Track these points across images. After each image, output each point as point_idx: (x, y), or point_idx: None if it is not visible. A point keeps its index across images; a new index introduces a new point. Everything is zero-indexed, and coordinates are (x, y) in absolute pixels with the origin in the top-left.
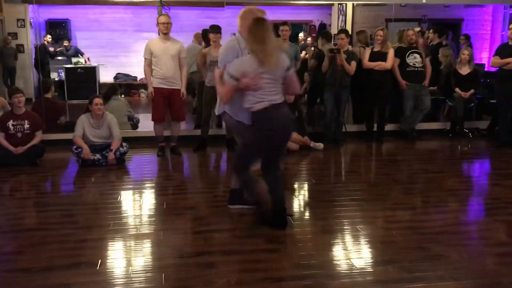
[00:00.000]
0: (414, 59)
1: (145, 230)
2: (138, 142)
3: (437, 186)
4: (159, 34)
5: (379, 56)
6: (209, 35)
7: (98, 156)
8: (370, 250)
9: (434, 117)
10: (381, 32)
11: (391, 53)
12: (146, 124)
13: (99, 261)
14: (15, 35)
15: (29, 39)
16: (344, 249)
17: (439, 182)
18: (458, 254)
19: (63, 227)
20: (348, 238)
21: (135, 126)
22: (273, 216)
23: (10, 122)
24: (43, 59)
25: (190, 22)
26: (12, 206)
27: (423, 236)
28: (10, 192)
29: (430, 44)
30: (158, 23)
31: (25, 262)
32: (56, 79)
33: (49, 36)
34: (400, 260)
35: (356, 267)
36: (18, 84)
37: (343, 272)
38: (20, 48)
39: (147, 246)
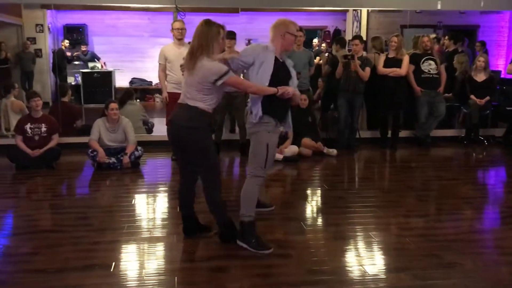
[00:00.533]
0: (429, 66)
1: (158, 233)
2: (152, 146)
3: (451, 193)
4: (173, 40)
5: (394, 62)
6: None
7: (113, 159)
8: (383, 257)
9: (449, 124)
10: (395, 39)
11: (406, 59)
12: (161, 129)
13: (113, 263)
14: (33, 40)
15: (47, 44)
16: (356, 256)
17: (453, 190)
18: (472, 262)
19: (78, 229)
20: (360, 244)
21: (149, 130)
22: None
23: (28, 125)
24: (60, 63)
25: None
26: (28, 208)
27: (437, 243)
28: (26, 194)
29: (446, 50)
30: (172, 28)
31: (41, 263)
32: (73, 83)
33: (66, 41)
34: (413, 267)
35: (368, 274)
36: (35, 88)
37: (355, 279)
38: (38, 53)
39: (160, 249)
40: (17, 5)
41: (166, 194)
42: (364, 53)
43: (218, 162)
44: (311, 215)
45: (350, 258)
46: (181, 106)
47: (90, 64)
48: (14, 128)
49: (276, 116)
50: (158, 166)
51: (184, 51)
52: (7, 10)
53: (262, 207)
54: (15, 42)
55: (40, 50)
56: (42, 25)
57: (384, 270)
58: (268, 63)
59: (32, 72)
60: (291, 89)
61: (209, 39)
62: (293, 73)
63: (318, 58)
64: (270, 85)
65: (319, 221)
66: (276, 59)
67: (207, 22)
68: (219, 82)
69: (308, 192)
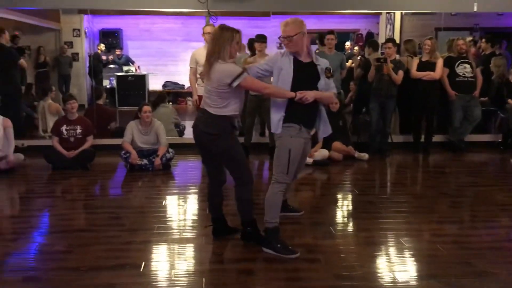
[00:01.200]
0: (464, 69)
1: (188, 234)
2: (183, 149)
3: (487, 200)
4: (205, 44)
5: (427, 66)
6: (254, 44)
7: (145, 161)
8: (414, 263)
9: (485, 129)
10: (429, 42)
11: (439, 62)
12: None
13: (143, 263)
14: (70, 44)
15: (83, 48)
16: (387, 262)
17: (488, 196)
18: (507, 272)
19: (110, 229)
20: (391, 250)
21: (181, 133)
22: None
23: (64, 127)
24: (96, 67)
25: None
26: (63, 207)
27: (470, 251)
28: (62, 194)
29: (482, 53)
30: (203, 32)
31: (74, 261)
32: (108, 86)
33: (102, 45)
34: (445, 275)
35: (399, 281)
36: (72, 91)
37: (385, 285)
38: (75, 57)
39: (189, 251)
40: (55, 10)
41: (196, 196)
42: (397, 56)
43: (247, 160)
44: (341, 220)
45: (380, 264)
46: (202, 111)
47: (125, 68)
48: (51, 130)
49: (299, 121)
50: (189, 168)
51: None
52: (46, 15)
53: (292, 212)
54: (53, 46)
55: (77, 54)
56: (79, 30)
57: (415, 277)
58: (287, 68)
59: (69, 76)
60: (312, 94)
61: (222, 44)
62: (322, 73)
63: (350, 61)
64: (294, 89)
65: (349, 226)
66: (298, 62)
67: (221, 27)
68: (235, 84)
69: (338, 196)
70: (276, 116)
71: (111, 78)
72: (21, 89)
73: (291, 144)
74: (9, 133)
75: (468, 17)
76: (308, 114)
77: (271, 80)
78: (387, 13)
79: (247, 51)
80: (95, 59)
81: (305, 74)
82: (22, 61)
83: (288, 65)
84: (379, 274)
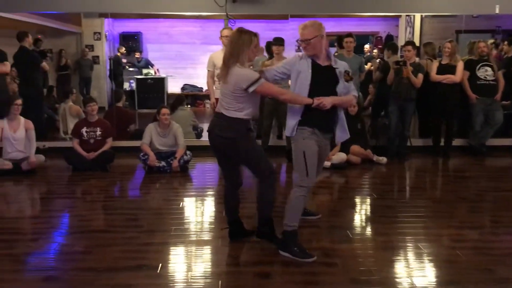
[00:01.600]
0: (485, 72)
1: (205, 236)
2: (201, 151)
3: (508, 205)
4: (222, 47)
5: (447, 69)
6: (272, 47)
7: (163, 163)
8: (432, 269)
9: (506, 133)
10: (449, 45)
11: (460, 65)
12: None
13: (160, 264)
14: (91, 47)
15: (104, 51)
16: (405, 267)
17: (510, 201)
18: None
19: (128, 230)
20: (409, 255)
21: (199, 135)
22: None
23: (84, 129)
24: (116, 70)
25: None
26: (83, 208)
27: (491, 257)
28: (81, 195)
29: (505, 56)
30: (221, 36)
31: (92, 262)
32: (127, 89)
33: (123, 48)
34: (464, 281)
35: (417, 286)
36: (92, 93)
37: None
38: (95, 60)
39: (206, 253)
40: (77, 14)
41: (213, 198)
42: (417, 59)
43: (267, 159)
44: (358, 223)
45: (398, 269)
46: (217, 115)
47: (144, 71)
48: (71, 132)
49: (314, 125)
50: (206, 170)
51: None
52: (68, 19)
53: (309, 215)
54: (74, 49)
55: (98, 57)
56: (99, 33)
57: (433, 283)
58: (305, 72)
59: (89, 78)
60: (329, 100)
61: (240, 48)
62: (341, 77)
63: (369, 64)
64: (312, 93)
65: (367, 230)
66: (316, 65)
67: (239, 31)
68: (251, 89)
69: (356, 200)
70: (292, 121)
71: (130, 81)
72: (43, 92)
73: (304, 146)
74: (31, 134)
75: (490, 19)
76: (325, 119)
77: (289, 83)
78: (406, 15)
79: (265, 54)
80: (115, 62)
81: (324, 78)
82: (44, 64)
83: (306, 69)
84: (397, 279)
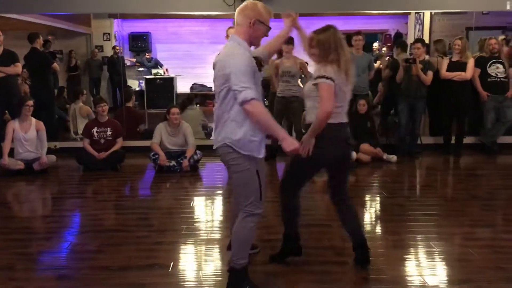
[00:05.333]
0: (496, 69)
1: (216, 235)
2: (211, 150)
3: None
4: None
5: (458, 66)
6: (282, 46)
7: (173, 162)
8: (444, 268)
9: None
10: (459, 42)
11: (470, 63)
12: None
13: (171, 263)
14: (101, 48)
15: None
16: (416, 266)
17: None
18: None
19: (140, 229)
20: (421, 254)
21: (208, 134)
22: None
23: (95, 129)
24: (113, 70)
25: None
26: (94, 207)
27: (504, 255)
28: (92, 195)
29: None
30: (227, 35)
31: (105, 261)
32: (137, 89)
33: (117, 48)
34: (477, 280)
35: (429, 285)
36: (102, 94)
37: None
38: (104, 60)
39: (217, 252)
40: (86, 15)
41: (224, 197)
42: (427, 57)
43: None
44: (369, 222)
45: (410, 267)
46: (345, 125)
47: (154, 71)
48: (82, 132)
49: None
50: (216, 169)
51: None
52: (78, 20)
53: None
54: (84, 50)
55: (107, 57)
56: (109, 34)
57: (445, 282)
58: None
59: (99, 79)
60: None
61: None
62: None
63: (378, 62)
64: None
65: (378, 229)
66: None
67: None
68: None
69: (367, 199)
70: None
71: (140, 81)
72: (54, 93)
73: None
74: (42, 135)
75: (500, 16)
76: None
77: (299, 82)
78: (416, 13)
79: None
80: (110, 62)
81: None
82: (55, 64)
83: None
84: (408, 278)
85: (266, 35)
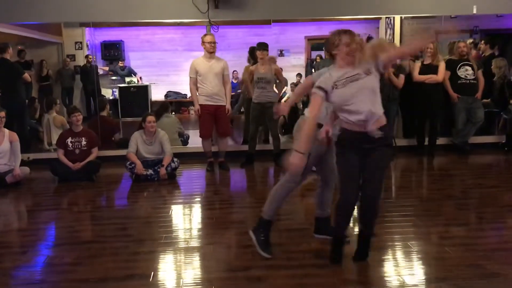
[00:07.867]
0: (465, 72)
1: (195, 243)
2: (188, 158)
3: (493, 201)
4: (204, 53)
5: (430, 69)
6: (256, 52)
7: (150, 171)
8: (422, 266)
9: (488, 130)
10: (431, 45)
11: (442, 65)
12: (196, 140)
13: (152, 273)
14: (73, 57)
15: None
16: (395, 266)
17: (494, 198)
18: None
19: (118, 240)
20: (399, 254)
21: (185, 142)
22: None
23: (69, 140)
24: (86, 79)
25: (237, 40)
26: (70, 219)
27: (479, 253)
28: (68, 206)
29: (483, 55)
30: (203, 42)
31: (83, 273)
32: (111, 98)
33: (90, 56)
34: (455, 277)
35: (407, 284)
36: (75, 103)
37: None
38: (77, 69)
39: (197, 259)
40: (57, 24)
41: (202, 204)
42: (398, 60)
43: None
44: None
45: (388, 268)
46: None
47: (127, 79)
48: (56, 142)
49: None
50: (194, 177)
51: (215, 64)
52: (49, 29)
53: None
54: (56, 59)
55: (79, 66)
56: (81, 43)
57: (423, 281)
58: None
59: (72, 88)
60: None
61: None
62: None
63: None
64: None
65: (355, 230)
66: None
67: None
68: None
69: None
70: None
71: (113, 90)
72: (25, 103)
73: None
74: (16, 146)
75: (468, 20)
76: None
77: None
78: (386, 17)
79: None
80: (83, 71)
81: None
82: (26, 75)
83: None
84: (387, 278)
85: None
